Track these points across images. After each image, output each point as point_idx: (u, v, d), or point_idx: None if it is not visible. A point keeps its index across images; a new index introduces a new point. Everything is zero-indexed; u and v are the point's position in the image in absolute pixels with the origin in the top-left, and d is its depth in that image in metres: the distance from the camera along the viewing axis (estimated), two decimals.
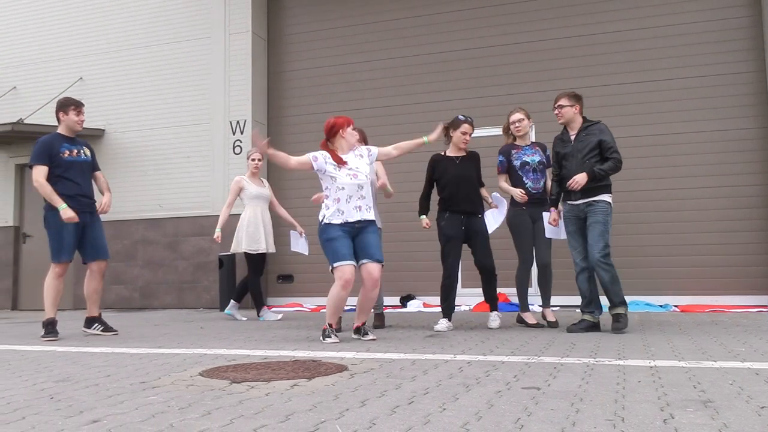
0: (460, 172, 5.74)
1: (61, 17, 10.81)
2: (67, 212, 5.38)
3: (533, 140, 6.17)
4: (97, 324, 5.73)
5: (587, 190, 5.18)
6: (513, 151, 5.86)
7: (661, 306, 7.61)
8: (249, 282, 7.17)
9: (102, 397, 2.78)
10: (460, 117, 5.81)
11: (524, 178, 5.78)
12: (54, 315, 5.52)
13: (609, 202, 5.21)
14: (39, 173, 5.47)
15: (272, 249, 7.24)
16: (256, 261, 7.13)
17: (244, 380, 3.10)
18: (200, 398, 2.70)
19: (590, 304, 5.29)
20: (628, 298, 5.37)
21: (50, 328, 5.44)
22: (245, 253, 7.06)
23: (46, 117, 10.25)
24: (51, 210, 5.50)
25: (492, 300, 5.86)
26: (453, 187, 5.69)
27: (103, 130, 10.11)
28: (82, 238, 5.61)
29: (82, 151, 5.71)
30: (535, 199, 5.74)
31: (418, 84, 9.16)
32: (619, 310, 5.07)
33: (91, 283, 5.74)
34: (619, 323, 5.02)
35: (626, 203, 7.92)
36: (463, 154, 5.87)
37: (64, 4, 10.81)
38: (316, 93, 9.63)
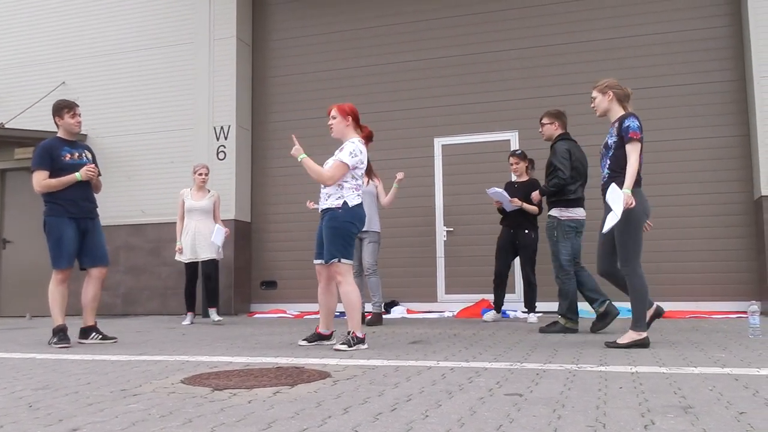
0: (513, 196, 6.95)
1: (44, 21, 10.72)
2: (84, 173, 5.44)
3: (620, 115, 4.74)
4: (94, 333, 5.59)
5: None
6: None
7: None
8: (185, 287, 7.67)
9: (82, 405, 2.75)
10: (511, 151, 7.29)
11: (600, 165, 4.86)
12: (63, 321, 5.40)
13: (555, 216, 5.78)
14: (38, 178, 5.40)
15: (209, 255, 7.54)
16: (190, 269, 7.59)
17: (226, 387, 3.08)
18: (181, 406, 2.68)
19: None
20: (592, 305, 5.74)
21: (62, 335, 5.33)
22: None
23: (27, 122, 10.16)
24: (50, 215, 5.42)
25: (530, 305, 7.08)
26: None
27: (86, 134, 10.03)
28: (82, 244, 5.52)
29: (83, 154, 5.65)
30: (603, 188, 4.72)
31: (403, 90, 9.19)
32: (558, 319, 5.78)
33: (90, 291, 5.59)
34: (550, 327, 5.74)
35: None
36: (525, 179, 7.10)
37: (47, 7, 10.72)
38: (300, 99, 9.63)
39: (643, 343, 4.47)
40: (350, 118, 4.88)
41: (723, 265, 7.80)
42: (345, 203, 4.70)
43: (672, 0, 8.28)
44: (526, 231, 6.93)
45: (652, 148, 8.07)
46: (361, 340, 4.68)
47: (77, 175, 5.42)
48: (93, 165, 5.58)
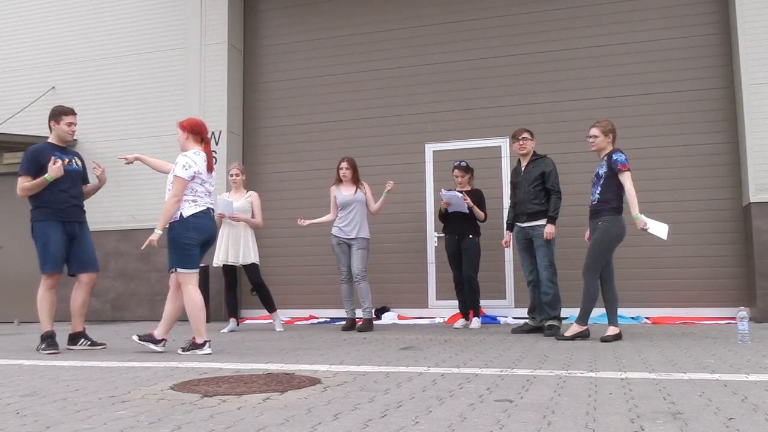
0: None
1: (34, 25, 10.68)
2: (53, 170, 5.27)
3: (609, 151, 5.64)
4: (83, 340, 5.54)
5: (532, 215, 6.19)
6: None
7: (632, 318, 7.69)
8: (224, 292, 7.54)
9: (70, 411, 2.73)
10: (454, 164, 7.35)
11: (591, 191, 5.71)
12: (51, 327, 5.36)
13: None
14: (21, 183, 5.36)
15: (245, 260, 7.13)
16: (227, 273, 7.29)
17: (215, 394, 3.07)
18: (171, 412, 2.67)
19: (534, 310, 6.34)
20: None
21: (50, 341, 5.29)
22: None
23: (16, 127, 10.11)
24: (37, 221, 5.38)
25: (472, 307, 7.12)
26: (451, 215, 7.18)
27: (76, 139, 9.98)
28: (70, 249, 5.47)
29: (74, 161, 5.60)
30: (590, 210, 5.67)
31: (394, 96, 9.20)
32: (553, 322, 6.04)
33: (79, 297, 5.53)
34: (550, 331, 5.94)
35: None
36: (468, 189, 7.23)
37: (37, 12, 10.68)
38: (291, 105, 9.62)
39: (584, 334, 5.45)
40: (187, 133, 5.10)
41: (712, 272, 7.84)
42: (180, 215, 4.92)
43: (660, 8, 8.34)
44: (470, 236, 7.07)
45: (642, 155, 8.14)
46: (198, 346, 4.91)
47: (47, 177, 5.29)
48: (60, 160, 5.37)
